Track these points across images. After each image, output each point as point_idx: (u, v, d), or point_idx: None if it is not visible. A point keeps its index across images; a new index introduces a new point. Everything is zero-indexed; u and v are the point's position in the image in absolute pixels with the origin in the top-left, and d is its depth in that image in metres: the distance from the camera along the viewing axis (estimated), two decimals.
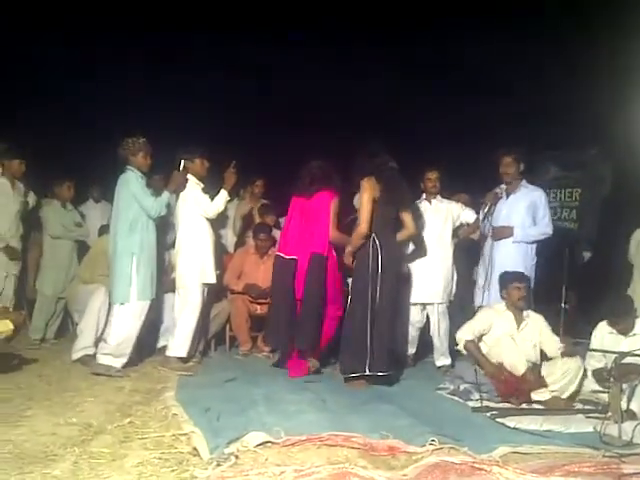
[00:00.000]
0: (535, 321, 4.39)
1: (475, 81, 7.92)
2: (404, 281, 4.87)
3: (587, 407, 3.90)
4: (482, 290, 4.96)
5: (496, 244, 4.91)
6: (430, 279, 5.19)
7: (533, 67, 7.44)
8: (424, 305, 5.27)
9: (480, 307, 4.89)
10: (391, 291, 4.41)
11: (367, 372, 4.31)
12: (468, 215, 5.35)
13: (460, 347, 4.40)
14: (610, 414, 3.43)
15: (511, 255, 4.82)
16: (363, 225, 4.38)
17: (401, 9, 8.42)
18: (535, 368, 4.21)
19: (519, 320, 4.37)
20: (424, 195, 5.35)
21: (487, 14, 7.91)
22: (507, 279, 4.49)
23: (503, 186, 5.05)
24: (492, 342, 4.32)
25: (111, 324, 4.53)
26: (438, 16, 8.25)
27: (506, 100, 7.56)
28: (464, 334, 4.38)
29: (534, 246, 4.93)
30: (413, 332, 5.29)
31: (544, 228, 4.90)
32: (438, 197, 5.33)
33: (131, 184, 4.58)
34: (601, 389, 4.01)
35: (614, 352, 3.60)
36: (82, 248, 5.99)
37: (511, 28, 7.41)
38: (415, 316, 5.26)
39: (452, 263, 5.30)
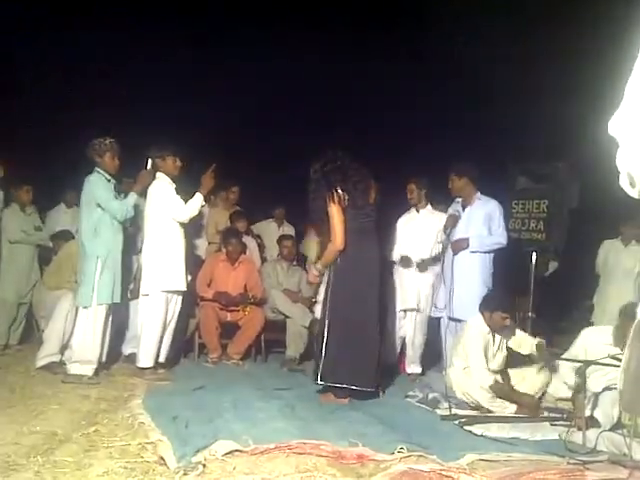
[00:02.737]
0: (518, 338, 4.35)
1: (453, 93, 8.03)
2: (385, 291, 4.62)
3: (552, 415, 3.97)
4: (444, 303, 5.01)
5: (456, 256, 5.00)
6: (411, 287, 5.26)
7: (504, 80, 7.57)
8: (405, 312, 5.31)
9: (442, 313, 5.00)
10: (371, 301, 4.26)
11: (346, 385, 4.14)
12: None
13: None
14: (574, 422, 3.50)
15: (470, 265, 4.92)
16: (337, 241, 4.20)
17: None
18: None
19: (494, 336, 4.31)
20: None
21: (455, 26, 8.05)
22: (493, 304, 4.25)
23: (459, 200, 5.17)
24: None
25: (76, 328, 4.46)
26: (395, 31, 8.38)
27: (479, 113, 7.70)
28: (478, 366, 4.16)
29: (491, 256, 5.04)
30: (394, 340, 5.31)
31: (498, 238, 5.03)
32: (428, 207, 5.39)
33: (95, 186, 4.50)
34: (566, 398, 4.09)
35: (578, 361, 3.67)
36: (43, 253, 5.90)
37: (480, 41, 7.55)
38: (396, 323, 5.28)
39: (437, 274, 5.26)
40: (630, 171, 1.27)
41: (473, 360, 4.15)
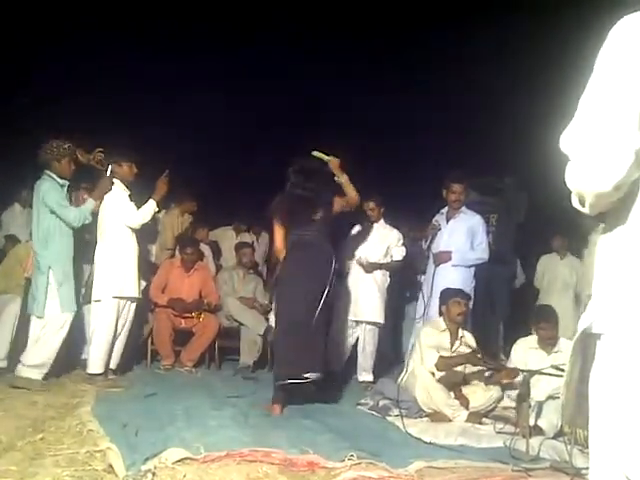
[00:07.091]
0: (469, 341, 4.50)
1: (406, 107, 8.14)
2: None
3: (498, 423, 4.08)
4: (422, 308, 5.11)
5: (437, 268, 5.07)
6: (359, 298, 5.34)
7: (455, 96, 7.73)
8: (355, 322, 5.38)
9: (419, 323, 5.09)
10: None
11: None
12: (398, 252, 5.49)
13: (435, 372, 4.33)
14: (519, 430, 3.61)
15: (451, 278, 4.96)
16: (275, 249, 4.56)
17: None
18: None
19: (454, 339, 4.46)
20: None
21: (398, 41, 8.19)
22: (447, 295, 4.58)
23: (443, 210, 5.23)
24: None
25: (31, 337, 4.33)
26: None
27: (429, 128, 7.84)
28: (430, 361, 4.34)
29: (473, 270, 5.11)
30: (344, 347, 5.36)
31: (481, 253, 5.12)
32: (381, 222, 5.47)
33: (47, 193, 4.36)
34: (511, 406, 4.20)
35: (522, 370, 3.79)
36: None
37: (440, 60, 7.70)
38: (345, 331, 5.34)
39: (382, 286, 5.42)
40: (579, 188, 1.25)
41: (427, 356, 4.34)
